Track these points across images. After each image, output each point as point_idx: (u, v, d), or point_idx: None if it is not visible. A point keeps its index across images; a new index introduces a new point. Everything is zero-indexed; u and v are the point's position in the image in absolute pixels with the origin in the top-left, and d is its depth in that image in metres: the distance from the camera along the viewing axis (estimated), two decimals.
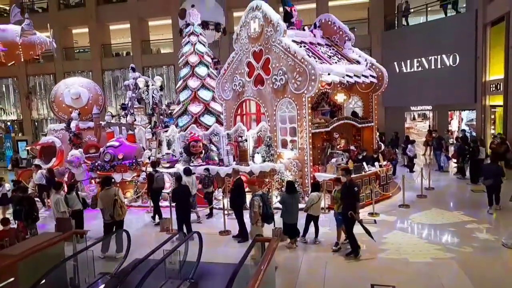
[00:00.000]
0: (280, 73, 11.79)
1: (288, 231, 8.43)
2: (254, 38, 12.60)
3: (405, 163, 16.38)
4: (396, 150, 16.90)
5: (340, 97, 12.84)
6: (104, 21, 28.82)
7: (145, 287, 6.62)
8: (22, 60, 12.92)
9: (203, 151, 11.95)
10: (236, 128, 12.24)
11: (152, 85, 14.72)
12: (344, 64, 12.58)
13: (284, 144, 12.36)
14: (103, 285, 6.78)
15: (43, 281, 6.43)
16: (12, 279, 5.67)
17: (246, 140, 12.32)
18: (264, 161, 11.86)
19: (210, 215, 10.96)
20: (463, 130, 18.54)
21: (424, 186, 12.46)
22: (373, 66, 13.20)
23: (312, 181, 11.22)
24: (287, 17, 13.46)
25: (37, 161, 13.50)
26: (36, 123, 30.36)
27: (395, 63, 22.40)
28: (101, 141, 13.74)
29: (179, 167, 12.00)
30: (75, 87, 14.77)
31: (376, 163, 11.92)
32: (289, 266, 7.70)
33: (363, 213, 10.46)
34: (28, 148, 14.87)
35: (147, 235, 9.77)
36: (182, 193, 9.09)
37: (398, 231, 9.30)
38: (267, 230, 8.47)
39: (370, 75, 12.91)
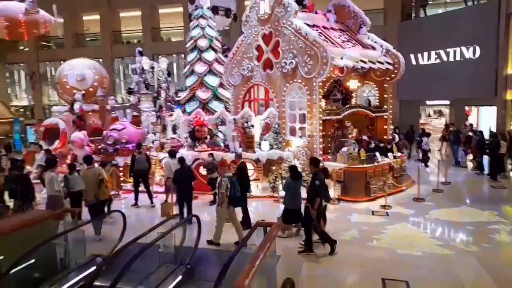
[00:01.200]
0: (290, 56, 11.23)
1: (291, 218, 7.87)
2: (264, 19, 12.05)
3: (420, 157, 15.66)
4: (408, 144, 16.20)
5: (353, 84, 12.21)
6: (116, 8, 28.51)
7: (137, 271, 6.23)
8: (26, 38, 12.57)
9: (208, 136, 11.47)
10: (243, 113, 11.73)
11: (158, 67, 14.26)
12: (359, 50, 11.95)
13: (293, 132, 11.83)
14: (94, 267, 6.40)
15: (32, 260, 6.11)
16: None
17: (253, 126, 11.80)
18: (271, 148, 11.34)
19: (213, 201, 10.48)
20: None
21: (440, 181, 11.81)
22: (389, 53, 12.53)
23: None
24: None
25: (41, 143, 13.21)
26: (46, 109, 30.30)
27: (412, 55, 21.56)
28: (106, 125, 13.37)
29: (183, 152, 11.56)
30: (79, 68, 14.43)
31: (390, 154, 11.29)
32: (293, 257, 7.21)
33: (375, 205, 9.92)
34: (33, 129, 14.63)
35: (149, 220, 9.37)
36: (184, 175, 8.66)
37: (411, 224, 8.70)
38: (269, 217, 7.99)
39: (386, 62, 12.26)
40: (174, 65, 26.68)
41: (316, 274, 6.40)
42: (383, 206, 9.81)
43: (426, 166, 14.81)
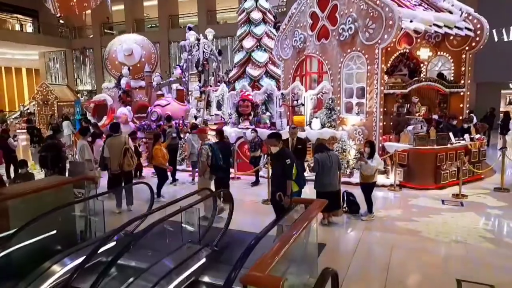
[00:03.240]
0: (349, 21, 9.81)
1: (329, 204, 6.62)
2: None
3: (503, 146, 13.31)
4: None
5: (424, 53, 10.45)
6: None
7: (154, 249, 5.47)
8: (77, 13, 12.46)
9: (252, 113, 10.47)
10: (292, 87, 10.57)
11: (204, 38, 13.51)
12: (432, 13, 10.17)
13: (349, 109, 10.43)
14: (114, 242, 5.79)
15: (54, 231, 5.63)
16: None
17: (303, 105, 10.61)
18: (323, 127, 10.07)
19: (255, 182, 9.55)
20: None
21: None
22: (470, 17, 10.57)
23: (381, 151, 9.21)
24: None
25: (91, 119, 13.19)
26: None
27: (494, 30, 18.69)
28: (151, 102, 12.98)
29: (227, 129, 10.72)
30: (127, 43, 14.20)
31: (466, 135, 9.48)
32: (341, 247, 6.02)
33: (446, 194, 8.30)
34: (84, 106, 14.76)
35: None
36: (223, 149, 7.80)
37: (494, 218, 7.03)
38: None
39: (465, 28, 10.34)
40: (228, 47, 26.07)
41: (370, 268, 5.16)
42: (456, 195, 8.15)
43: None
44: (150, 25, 32.00)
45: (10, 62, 33.90)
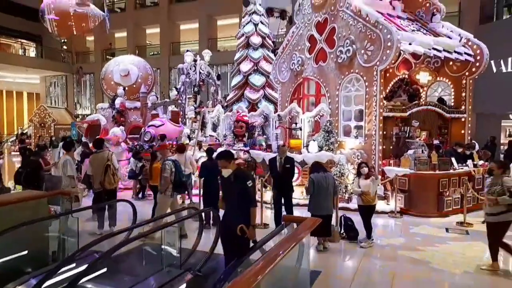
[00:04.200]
0: (347, 43, 9.68)
1: (317, 228, 6.13)
2: (319, 5, 10.69)
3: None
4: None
5: (423, 77, 10.25)
6: (175, 20, 29.05)
7: (131, 273, 4.99)
8: (75, 33, 12.44)
9: (246, 134, 10.16)
10: (289, 109, 10.31)
11: (200, 59, 13.42)
12: (431, 37, 10.07)
13: (348, 132, 10.12)
14: (87, 265, 5.29)
15: (25, 252, 5.18)
16: None
17: (300, 129, 10.33)
18: (320, 150, 9.72)
19: None
20: None
21: None
22: (469, 43, 10.46)
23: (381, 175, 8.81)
24: None
25: (83, 139, 12.88)
26: None
27: (492, 61, 18.64)
28: (146, 122, 12.71)
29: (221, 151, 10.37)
30: (124, 64, 14.09)
31: (470, 161, 9.10)
32: (338, 275, 5.51)
33: (449, 222, 7.82)
34: (76, 126, 14.49)
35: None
36: (211, 168, 7.42)
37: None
38: None
39: (465, 53, 10.20)
40: (228, 74, 26.20)
41: None
42: (461, 223, 7.68)
43: None
44: (152, 53, 32.36)
45: (11, 85, 34.08)
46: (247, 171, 4.98)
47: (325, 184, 6.12)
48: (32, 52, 33.20)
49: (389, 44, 8.69)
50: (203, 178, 7.42)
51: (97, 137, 8.83)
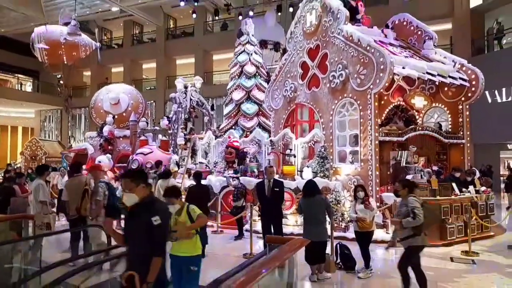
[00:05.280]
0: (339, 68, 9.53)
1: (311, 254, 5.62)
2: (310, 32, 10.66)
3: (510, 205, 12.48)
4: None
5: (418, 102, 10.04)
6: (172, 54, 29.44)
7: None
8: (65, 62, 12.32)
9: (236, 160, 9.75)
10: (282, 135, 9.98)
11: (191, 86, 13.25)
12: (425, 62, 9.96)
13: (343, 158, 9.75)
14: None
15: None
16: None
17: (295, 156, 9.97)
18: (315, 176, 9.28)
19: (239, 236, 8.52)
20: None
21: None
22: (464, 68, 10.36)
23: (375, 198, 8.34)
24: (352, 12, 11.36)
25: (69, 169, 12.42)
26: None
27: (487, 92, 18.76)
28: (135, 150, 12.31)
29: (211, 178, 9.92)
30: (115, 92, 13.90)
31: (471, 187, 8.67)
32: None
33: (453, 251, 7.28)
34: (63, 154, 14.04)
35: None
36: (200, 194, 6.95)
37: None
38: None
39: (460, 78, 10.06)
40: (224, 106, 26.17)
41: None
42: (466, 252, 7.13)
43: None
44: (149, 87, 32.55)
45: (6, 120, 33.93)
46: (159, 201, 3.59)
47: (312, 209, 5.69)
48: (28, 87, 33.32)
49: (382, 67, 8.51)
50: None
51: (75, 161, 8.41)
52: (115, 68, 31.64)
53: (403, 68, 8.95)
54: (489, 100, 18.77)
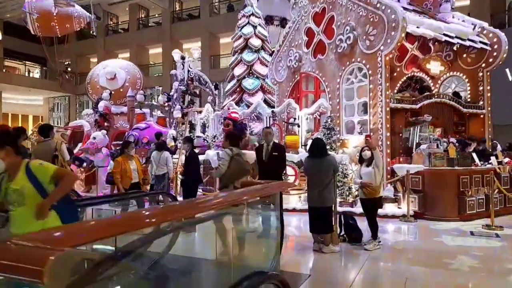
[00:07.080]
0: (347, 30, 8.72)
1: (315, 222, 4.94)
2: None
3: None
4: None
5: (434, 67, 9.15)
6: (178, 38, 28.80)
7: None
8: (59, 34, 11.75)
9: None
10: (285, 105, 9.25)
11: (188, 57, 12.57)
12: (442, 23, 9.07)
13: (351, 129, 8.98)
14: None
15: None
16: None
17: (299, 126, 9.23)
18: None
19: None
20: None
21: None
22: (485, 32, 9.44)
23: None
24: None
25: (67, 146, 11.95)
26: None
27: (507, 69, 17.62)
28: (132, 126, 11.75)
29: (209, 153, 9.28)
30: (111, 67, 13.32)
31: (493, 158, 7.83)
32: (333, 280, 4.23)
33: (474, 225, 6.51)
34: (60, 132, 13.57)
35: None
36: (191, 160, 6.40)
37: None
38: None
39: (480, 41, 9.15)
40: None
41: None
42: (487, 226, 6.35)
43: None
44: (156, 74, 32.02)
45: (16, 108, 33.99)
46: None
47: (318, 172, 4.98)
48: (36, 74, 33.20)
49: (393, 24, 7.69)
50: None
51: (43, 124, 7.89)
52: (122, 54, 31.16)
53: (418, 28, 8.11)
54: (510, 78, 17.61)
